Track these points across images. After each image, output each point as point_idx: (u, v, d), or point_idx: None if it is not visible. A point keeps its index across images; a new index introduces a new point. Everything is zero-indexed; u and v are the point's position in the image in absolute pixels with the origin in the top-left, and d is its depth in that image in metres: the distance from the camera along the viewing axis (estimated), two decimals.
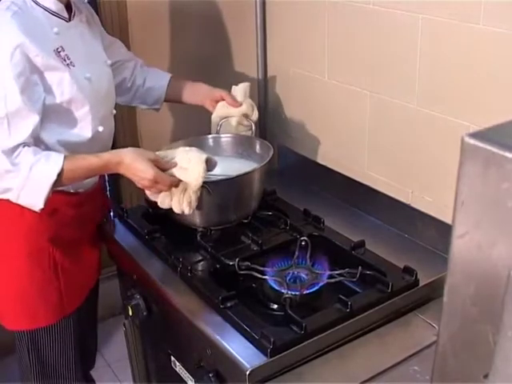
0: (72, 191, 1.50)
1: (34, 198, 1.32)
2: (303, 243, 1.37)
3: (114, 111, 1.59)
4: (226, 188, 1.46)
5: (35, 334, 1.53)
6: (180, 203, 1.36)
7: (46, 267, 1.49)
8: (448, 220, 0.63)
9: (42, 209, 1.33)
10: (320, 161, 1.77)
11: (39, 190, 1.30)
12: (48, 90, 1.36)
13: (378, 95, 1.52)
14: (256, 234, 1.49)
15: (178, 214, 1.38)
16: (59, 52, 1.39)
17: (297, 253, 1.37)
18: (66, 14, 1.44)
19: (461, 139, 0.58)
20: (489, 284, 0.59)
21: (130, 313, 1.53)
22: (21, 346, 1.56)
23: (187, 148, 1.43)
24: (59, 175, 1.30)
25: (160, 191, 1.36)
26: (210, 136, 1.71)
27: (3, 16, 1.31)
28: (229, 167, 1.51)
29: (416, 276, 1.30)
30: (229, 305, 1.24)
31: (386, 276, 1.30)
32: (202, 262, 1.41)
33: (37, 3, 1.38)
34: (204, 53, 2.15)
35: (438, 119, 1.38)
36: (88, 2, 2.37)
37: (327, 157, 1.75)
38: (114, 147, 1.55)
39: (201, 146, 1.58)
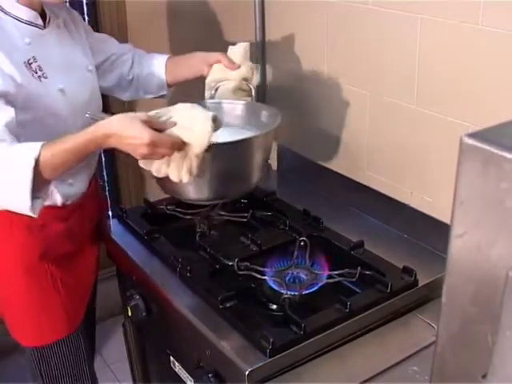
0: (59, 205, 1.46)
1: (17, 195, 1.17)
2: (302, 243, 1.37)
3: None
4: (229, 154, 1.31)
5: (44, 350, 1.50)
6: (179, 170, 1.20)
7: (45, 283, 1.46)
8: (447, 220, 0.63)
9: (36, 212, 1.20)
10: (319, 161, 1.77)
11: (19, 184, 1.16)
12: (18, 105, 1.26)
13: (378, 95, 1.52)
14: (255, 234, 1.49)
15: (170, 185, 1.25)
16: (30, 64, 1.31)
17: (296, 253, 1.37)
18: (40, 22, 1.36)
19: (459, 139, 0.58)
20: (487, 284, 0.59)
21: (130, 313, 1.53)
22: (32, 361, 1.52)
23: (188, 104, 1.26)
24: (37, 162, 1.15)
25: (162, 156, 1.19)
26: (209, 101, 1.53)
27: None
28: (230, 137, 1.35)
29: (415, 276, 1.30)
30: (228, 305, 1.24)
31: (385, 276, 1.30)
32: (201, 262, 1.41)
33: (6, 13, 1.31)
34: (202, 51, 2.15)
35: (438, 119, 1.38)
36: (87, 3, 2.39)
37: (327, 157, 1.75)
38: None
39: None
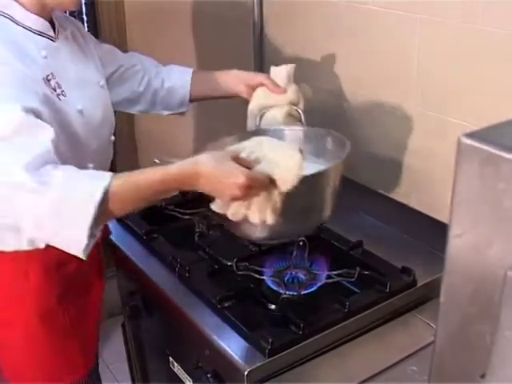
0: None
1: (74, 228, 1.00)
2: (301, 243, 1.37)
3: (113, 137, 1.37)
4: (311, 186, 1.18)
5: None
6: (261, 210, 1.08)
7: (62, 326, 1.34)
8: (446, 220, 0.63)
9: (86, 254, 1.03)
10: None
11: (79, 214, 0.99)
12: None
13: (376, 96, 1.52)
14: None
15: (243, 226, 1.15)
16: (49, 80, 1.17)
17: (295, 253, 1.37)
18: (51, 33, 1.22)
19: (457, 139, 0.58)
20: (486, 284, 0.59)
21: (129, 313, 1.53)
22: None
23: (263, 138, 1.15)
24: (105, 194, 0.99)
25: (251, 198, 1.06)
26: (271, 128, 1.37)
27: None
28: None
29: (414, 276, 1.31)
30: (227, 305, 1.24)
31: (384, 276, 1.30)
32: (200, 263, 1.40)
33: (17, 23, 1.16)
34: (201, 52, 2.15)
35: (437, 119, 1.38)
36: (85, 3, 2.39)
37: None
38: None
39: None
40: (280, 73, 1.41)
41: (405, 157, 1.50)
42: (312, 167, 1.18)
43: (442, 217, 1.38)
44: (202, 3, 2.06)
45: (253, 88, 1.42)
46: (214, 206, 1.12)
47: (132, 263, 1.48)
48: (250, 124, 1.41)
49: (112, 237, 1.58)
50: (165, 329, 1.45)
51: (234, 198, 1.05)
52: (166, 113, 1.55)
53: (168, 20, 2.23)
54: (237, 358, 1.13)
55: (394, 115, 1.49)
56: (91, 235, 1.01)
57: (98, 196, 0.98)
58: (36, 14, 1.18)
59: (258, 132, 1.34)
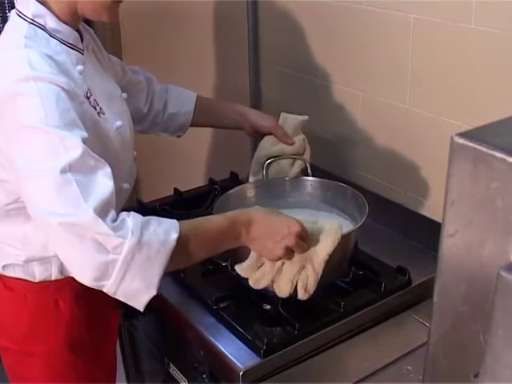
0: None
1: (145, 277, 0.96)
2: None
3: (135, 153, 1.28)
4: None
5: None
6: (292, 282, 1.08)
7: (91, 358, 1.27)
8: (440, 220, 0.63)
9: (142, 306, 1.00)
10: (312, 161, 1.77)
11: (153, 263, 0.95)
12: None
13: (370, 95, 1.52)
14: None
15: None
16: (89, 97, 1.08)
17: None
18: (80, 45, 1.12)
19: (450, 139, 0.58)
20: (479, 283, 0.59)
21: (124, 314, 1.52)
22: None
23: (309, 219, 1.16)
24: (178, 241, 0.96)
25: (301, 251, 1.07)
26: (287, 179, 1.41)
27: (23, 52, 0.99)
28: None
29: (409, 276, 1.31)
30: (222, 306, 1.24)
31: (379, 276, 1.30)
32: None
33: (51, 35, 1.05)
34: (196, 54, 2.14)
35: (430, 119, 1.38)
36: None
37: (321, 157, 1.75)
38: None
39: (274, 189, 1.38)
40: (291, 121, 1.40)
41: (398, 156, 1.50)
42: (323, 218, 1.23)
43: (436, 216, 1.38)
44: (197, 4, 2.06)
45: (259, 132, 1.42)
46: (239, 269, 1.11)
47: None
48: (254, 170, 1.42)
49: None
50: (160, 330, 1.45)
51: (284, 250, 1.05)
52: (163, 135, 1.51)
53: (162, 21, 2.22)
54: (232, 358, 1.13)
55: (388, 115, 1.49)
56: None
57: (171, 243, 0.95)
58: (66, 24, 1.08)
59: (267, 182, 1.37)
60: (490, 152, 0.55)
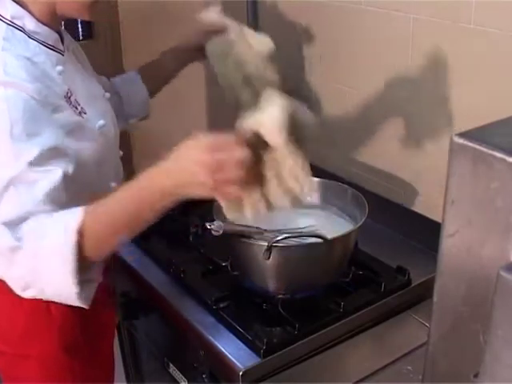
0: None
1: (58, 280, 0.94)
2: None
3: (121, 152, 1.28)
4: (342, 245, 1.24)
5: None
6: (280, 184, 0.91)
7: (85, 356, 1.26)
8: (440, 220, 0.63)
9: (87, 301, 0.99)
10: (311, 161, 1.77)
11: (59, 265, 0.92)
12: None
13: (370, 95, 1.52)
14: None
15: (252, 274, 1.16)
16: (69, 97, 1.07)
17: None
18: (60, 46, 1.12)
19: (450, 139, 0.58)
20: (479, 283, 0.59)
21: (123, 314, 1.52)
22: None
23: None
24: (80, 233, 0.92)
25: (230, 182, 0.89)
26: None
27: (0, 54, 0.98)
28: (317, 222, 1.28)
29: (409, 276, 1.31)
30: (222, 306, 1.24)
31: (379, 276, 1.30)
32: (194, 263, 1.40)
33: (30, 36, 1.04)
34: None
35: (430, 119, 1.38)
36: None
37: (319, 157, 1.75)
38: None
39: None
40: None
41: (398, 156, 1.50)
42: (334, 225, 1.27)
43: (436, 216, 1.38)
44: (197, 5, 2.06)
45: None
46: (227, 212, 0.96)
47: (126, 264, 1.47)
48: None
49: None
50: (160, 330, 1.45)
51: (213, 186, 0.90)
52: (132, 121, 1.47)
53: (161, 20, 2.22)
54: (232, 358, 1.13)
55: (387, 115, 1.49)
56: (83, 281, 0.95)
57: (71, 240, 0.91)
58: (46, 25, 1.07)
59: None
60: (490, 152, 0.55)
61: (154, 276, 1.40)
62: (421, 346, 1.17)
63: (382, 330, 1.26)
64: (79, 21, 2.35)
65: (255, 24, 1.83)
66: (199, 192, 0.92)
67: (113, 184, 1.19)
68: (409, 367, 1.14)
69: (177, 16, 2.16)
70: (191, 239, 1.48)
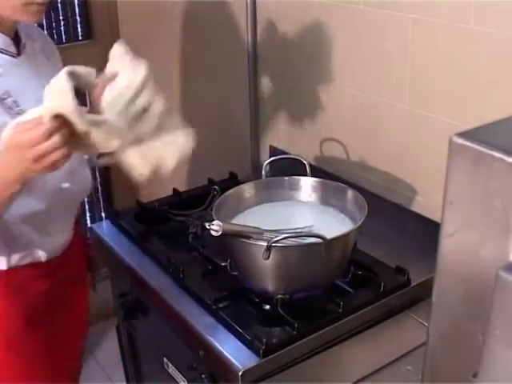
0: (43, 260, 1.31)
1: None
2: None
3: (87, 156, 1.32)
4: (341, 245, 1.24)
5: None
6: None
7: (31, 355, 1.27)
8: (439, 219, 0.63)
9: None
10: (311, 162, 1.77)
11: None
12: None
13: (369, 95, 1.52)
14: None
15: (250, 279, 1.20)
16: (4, 99, 1.13)
17: None
18: (13, 49, 1.18)
19: (449, 139, 0.58)
20: (478, 283, 0.59)
21: (122, 315, 1.52)
22: None
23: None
24: None
25: (48, 151, 0.96)
26: (286, 179, 1.44)
27: None
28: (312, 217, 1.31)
29: (408, 276, 1.31)
30: (221, 306, 1.24)
31: (378, 276, 1.30)
32: (194, 263, 1.40)
33: None
34: (196, 54, 2.15)
35: (429, 119, 1.38)
36: (78, 4, 2.38)
37: (318, 158, 1.75)
38: None
39: (273, 189, 1.40)
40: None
41: (398, 156, 1.50)
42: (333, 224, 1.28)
43: (435, 216, 1.38)
44: (196, 5, 2.06)
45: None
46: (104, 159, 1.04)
47: (125, 264, 1.47)
48: None
49: (105, 237, 1.58)
50: (159, 330, 1.45)
51: (24, 149, 0.96)
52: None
53: (161, 21, 2.22)
54: (231, 358, 1.13)
55: (386, 115, 1.49)
56: None
57: None
58: None
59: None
60: (489, 152, 0.55)
61: (154, 276, 1.39)
62: (420, 345, 1.17)
63: (382, 329, 1.26)
64: (79, 21, 2.35)
65: (255, 24, 1.83)
66: (23, 169, 0.98)
67: (65, 185, 1.23)
68: (408, 367, 1.14)
69: (175, 18, 2.16)
70: (190, 239, 1.48)
